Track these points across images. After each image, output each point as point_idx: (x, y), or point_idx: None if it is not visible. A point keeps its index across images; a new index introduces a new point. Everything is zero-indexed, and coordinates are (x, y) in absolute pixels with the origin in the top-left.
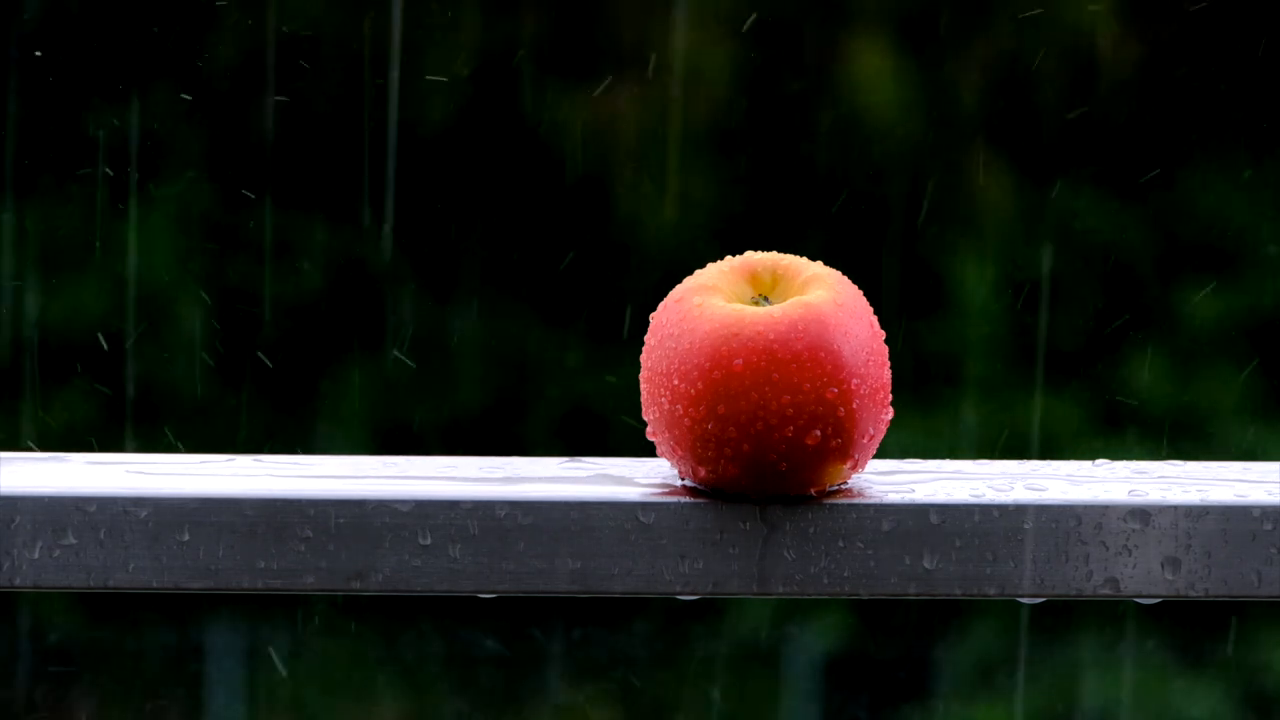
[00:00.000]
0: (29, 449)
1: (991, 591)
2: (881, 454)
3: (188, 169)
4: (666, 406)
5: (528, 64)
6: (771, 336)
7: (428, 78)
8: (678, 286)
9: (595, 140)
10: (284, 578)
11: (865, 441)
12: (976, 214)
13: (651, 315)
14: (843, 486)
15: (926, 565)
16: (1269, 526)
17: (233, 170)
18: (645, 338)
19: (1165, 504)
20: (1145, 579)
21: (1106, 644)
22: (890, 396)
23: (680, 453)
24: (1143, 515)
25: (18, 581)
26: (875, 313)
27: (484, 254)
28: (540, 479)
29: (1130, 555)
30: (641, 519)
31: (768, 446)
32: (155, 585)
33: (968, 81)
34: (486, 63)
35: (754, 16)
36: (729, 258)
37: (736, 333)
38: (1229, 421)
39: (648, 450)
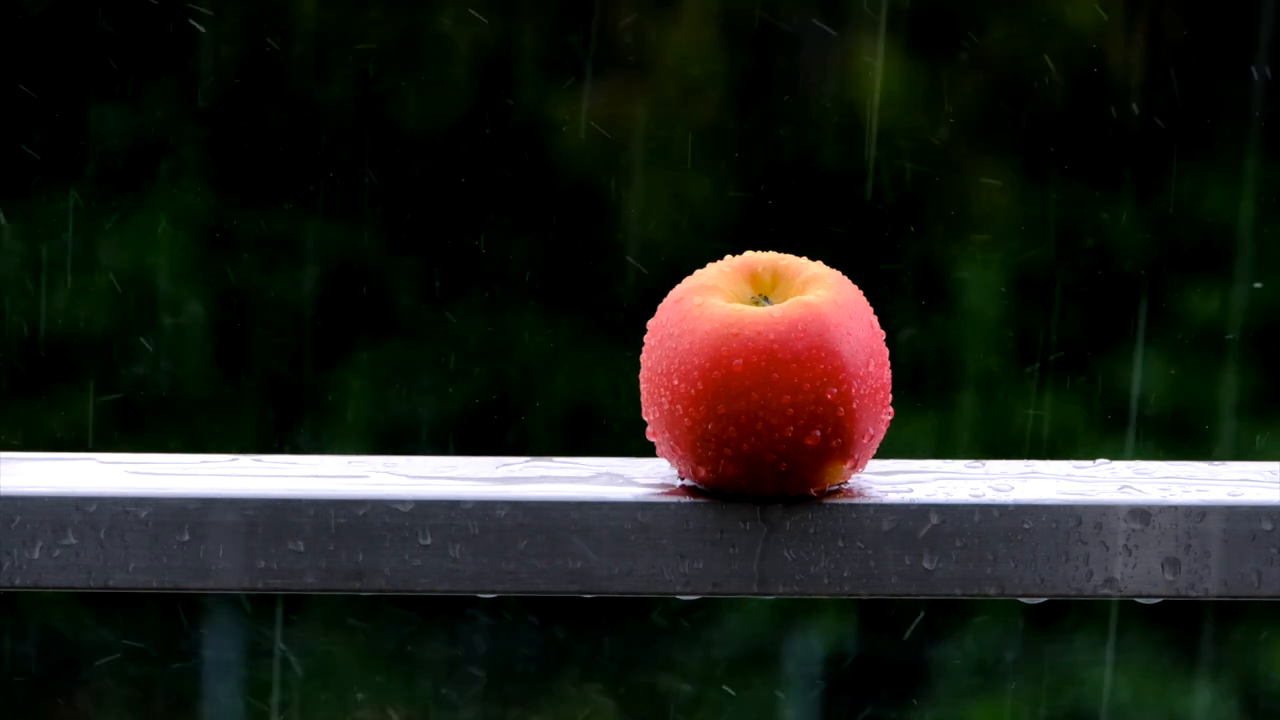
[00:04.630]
0: (29, 449)
1: (991, 591)
2: (881, 454)
3: (188, 169)
4: (666, 406)
5: (527, 63)
6: (771, 336)
7: (427, 77)
8: (678, 286)
9: (595, 139)
10: (284, 578)
11: (865, 441)
12: (977, 214)
13: (651, 315)
14: (843, 486)
15: (926, 565)
16: (1269, 526)
17: (233, 170)
18: (645, 338)
19: (1165, 504)
20: (1145, 579)
21: (1106, 644)
22: (890, 396)
23: (680, 453)
24: (1143, 515)
25: (18, 581)
26: (875, 313)
27: (483, 253)
28: (540, 479)
29: (1130, 555)
30: (641, 519)
31: (768, 446)
32: (155, 585)
33: (968, 81)
34: (486, 62)
35: (754, 16)
36: (729, 258)
37: (736, 333)
38: (1229, 421)
39: (648, 450)
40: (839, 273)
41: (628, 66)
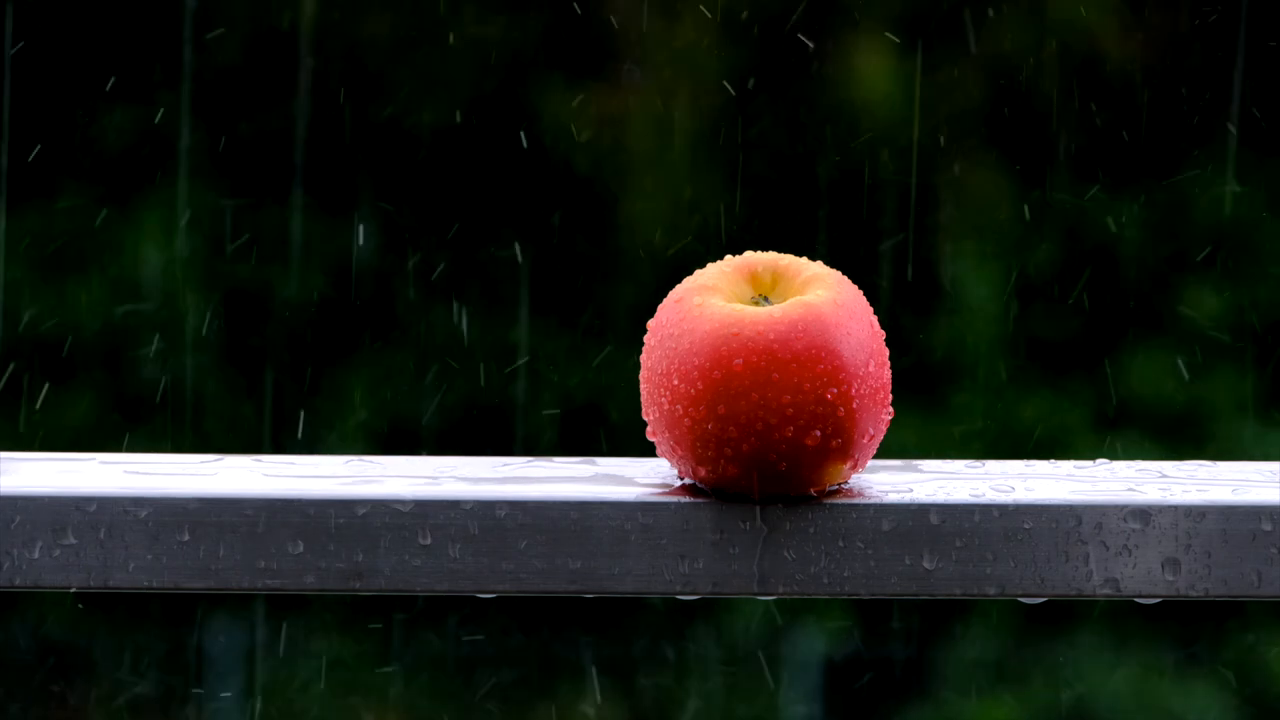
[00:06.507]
0: (30, 449)
1: (991, 591)
2: (882, 454)
3: (188, 169)
4: (666, 406)
5: (528, 63)
6: (772, 336)
7: (429, 76)
8: (678, 286)
9: (595, 140)
10: (284, 578)
11: (865, 442)
12: (976, 213)
13: (651, 315)
14: (843, 486)
15: (926, 565)
16: (1269, 526)
17: (233, 170)
18: (645, 338)
19: (1165, 504)
20: (1145, 579)
21: (1106, 644)
22: (890, 397)
23: (680, 453)
24: (1143, 515)
25: (18, 581)
26: (875, 313)
27: (484, 254)
28: (540, 479)
29: (1130, 555)
30: (641, 519)
31: (768, 446)
32: (155, 585)
33: (967, 81)
34: (487, 62)
35: (754, 16)
36: (729, 258)
37: (736, 333)
38: (1229, 421)
39: (648, 450)
40: (839, 273)
41: (628, 66)
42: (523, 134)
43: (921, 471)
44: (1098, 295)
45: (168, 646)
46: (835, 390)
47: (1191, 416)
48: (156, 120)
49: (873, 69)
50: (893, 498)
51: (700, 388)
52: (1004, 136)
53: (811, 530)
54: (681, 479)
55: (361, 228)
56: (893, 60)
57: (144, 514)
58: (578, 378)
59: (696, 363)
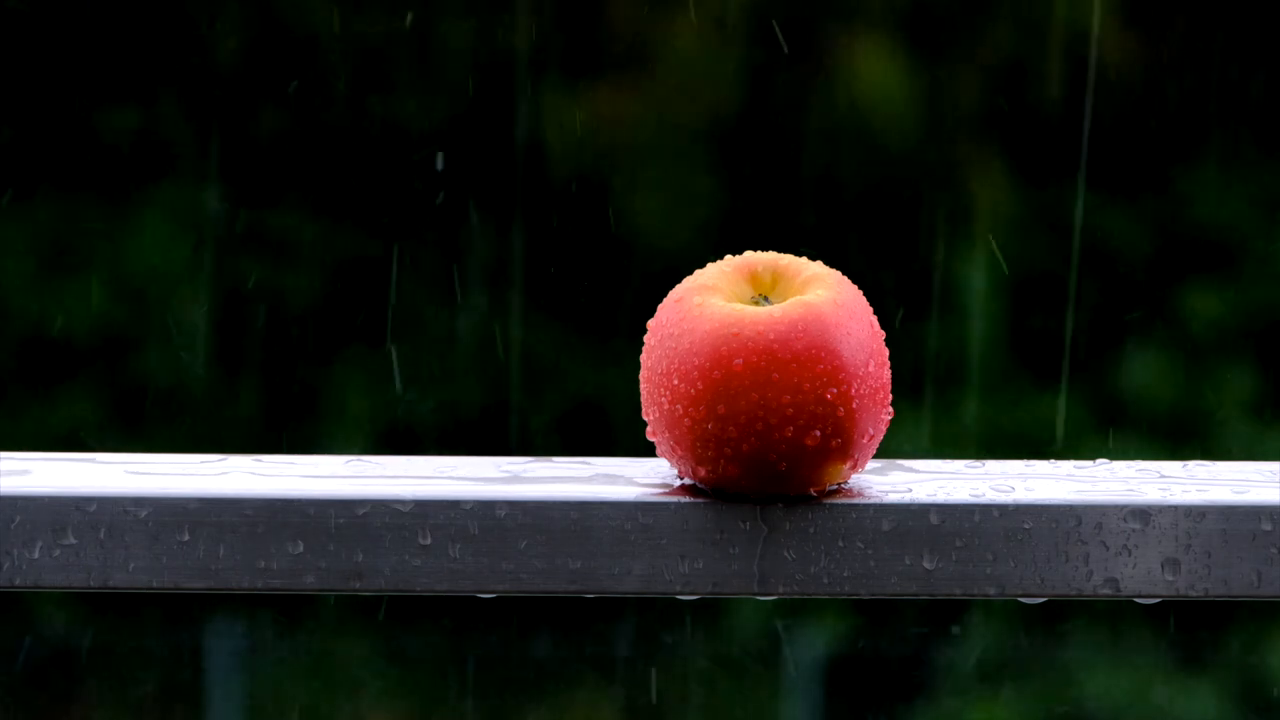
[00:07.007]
0: (30, 449)
1: (991, 591)
2: (882, 454)
3: (189, 169)
4: (666, 406)
5: (528, 63)
6: (772, 336)
7: (428, 76)
8: (678, 286)
9: (595, 140)
10: (284, 578)
11: (865, 441)
12: (976, 214)
13: (651, 315)
14: (843, 486)
15: (926, 565)
16: (1269, 526)
17: (233, 170)
18: (645, 337)
19: (1165, 504)
20: (1145, 579)
21: (1106, 644)
22: (890, 396)
23: (680, 453)
24: (1143, 515)
25: (18, 581)
26: (875, 313)
27: (484, 254)
28: (540, 479)
29: (1130, 555)
30: (641, 519)
31: (768, 446)
32: (155, 585)
33: (968, 81)
34: (487, 61)
35: (754, 16)
36: (729, 257)
37: (736, 333)
38: (1229, 421)
39: (648, 450)
40: (839, 273)
41: (629, 66)
42: (522, 133)
43: (921, 471)
44: (1098, 295)
45: (168, 646)
46: (835, 390)
47: (1191, 416)
48: (157, 120)
49: (874, 69)
50: (893, 498)
51: (700, 388)
52: (1005, 137)
53: (811, 530)
54: (681, 479)
55: (361, 227)
56: (894, 61)
57: (144, 514)
58: (577, 378)
59: (696, 363)
